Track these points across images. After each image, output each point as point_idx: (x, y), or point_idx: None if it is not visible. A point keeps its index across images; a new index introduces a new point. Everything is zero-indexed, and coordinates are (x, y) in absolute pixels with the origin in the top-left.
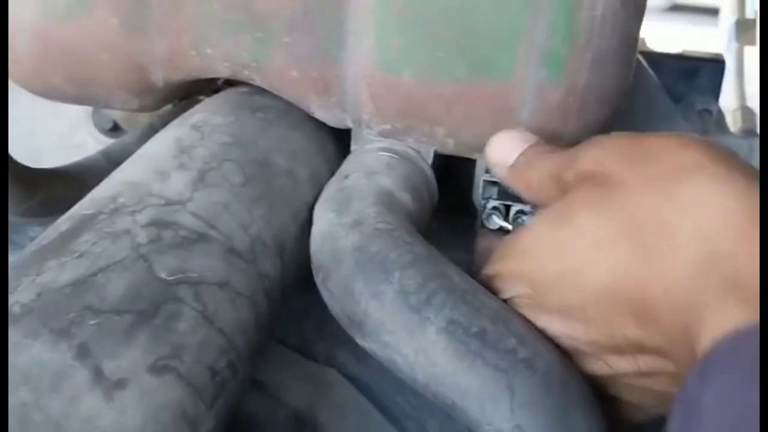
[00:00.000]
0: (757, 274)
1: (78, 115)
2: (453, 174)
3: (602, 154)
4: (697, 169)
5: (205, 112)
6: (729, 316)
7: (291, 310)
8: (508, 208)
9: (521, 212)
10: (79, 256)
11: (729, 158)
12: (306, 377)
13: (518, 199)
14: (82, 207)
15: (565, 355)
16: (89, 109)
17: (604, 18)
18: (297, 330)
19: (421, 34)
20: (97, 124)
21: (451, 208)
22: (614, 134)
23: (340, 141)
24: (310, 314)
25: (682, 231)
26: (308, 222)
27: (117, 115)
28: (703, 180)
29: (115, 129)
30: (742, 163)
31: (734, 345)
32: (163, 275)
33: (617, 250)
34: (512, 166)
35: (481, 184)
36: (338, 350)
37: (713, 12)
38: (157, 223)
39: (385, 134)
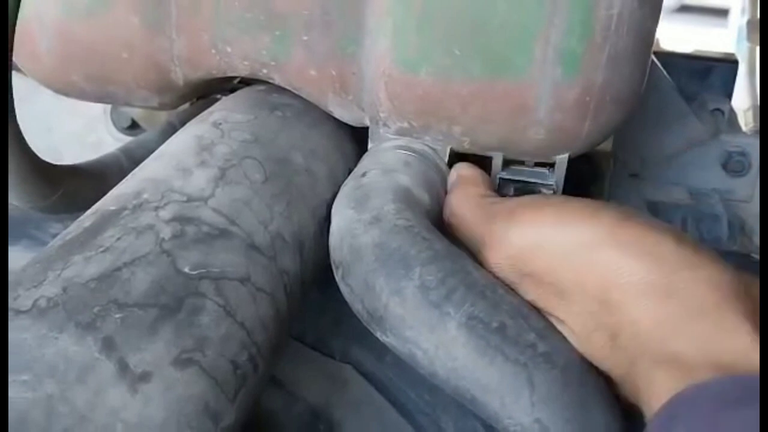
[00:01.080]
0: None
1: (96, 112)
2: None
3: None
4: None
5: (224, 110)
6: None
7: (308, 307)
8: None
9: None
10: (104, 251)
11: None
12: (322, 374)
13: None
14: (105, 203)
15: None
16: (107, 106)
17: (621, 17)
18: (314, 327)
19: (438, 33)
20: (115, 122)
21: None
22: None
23: (357, 139)
24: (327, 311)
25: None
26: (326, 219)
27: (135, 113)
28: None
29: (133, 127)
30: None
31: (693, 398)
32: (186, 270)
33: None
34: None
35: (497, 181)
36: (354, 347)
37: (722, 13)
38: (179, 219)
39: (402, 132)
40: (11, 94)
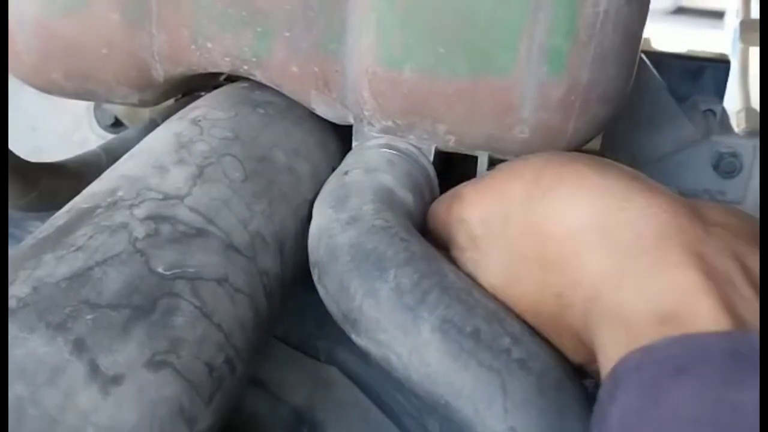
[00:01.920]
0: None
1: (79, 111)
2: (454, 173)
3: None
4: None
5: (205, 107)
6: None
7: (292, 308)
8: None
9: None
10: (76, 250)
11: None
12: (307, 375)
13: None
14: (79, 201)
15: None
16: (90, 104)
17: (607, 14)
18: (298, 327)
19: (423, 30)
20: (98, 120)
21: None
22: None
23: (341, 138)
24: (312, 312)
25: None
26: (308, 219)
27: (118, 110)
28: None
29: (116, 125)
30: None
31: (635, 364)
32: (160, 270)
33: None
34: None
35: None
36: (339, 348)
37: (718, 15)
38: (154, 218)
39: (386, 131)
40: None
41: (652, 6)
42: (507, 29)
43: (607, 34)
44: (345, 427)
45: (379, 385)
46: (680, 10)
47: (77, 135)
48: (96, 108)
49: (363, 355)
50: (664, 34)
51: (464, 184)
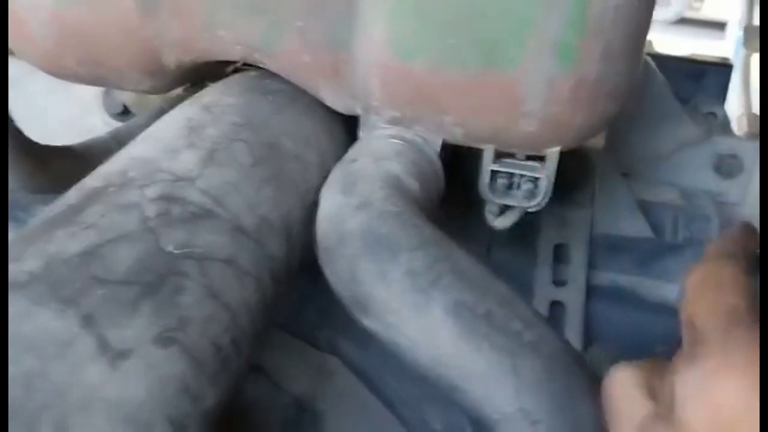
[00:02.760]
0: None
1: (88, 98)
2: (462, 168)
3: None
4: None
5: (216, 93)
6: None
7: (295, 298)
8: (511, 175)
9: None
10: (87, 228)
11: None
12: (308, 364)
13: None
14: (90, 180)
15: None
16: (100, 92)
17: (617, 9)
18: (300, 317)
19: (434, 22)
20: (107, 108)
21: (460, 203)
22: None
23: (348, 128)
24: (314, 302)
25: None
26: (315, 206)
27: (127, 99)
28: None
29: (125, 113)
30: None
31: None
32: (170, 248)
33: None
34: None
35: (488, 174)
36: (341, 339)
37: (720, 26)
38: (165, 198)
39: (393, 122)
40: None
41: (654, 16)
42: (517, 22)
43: (616, 29)
44: (345, 418)
45: (379, 376)
46: (683, 21)
47: (85, 122)
48: (105, 96)
49: (365, 346)
50: (666, 44)
51: None
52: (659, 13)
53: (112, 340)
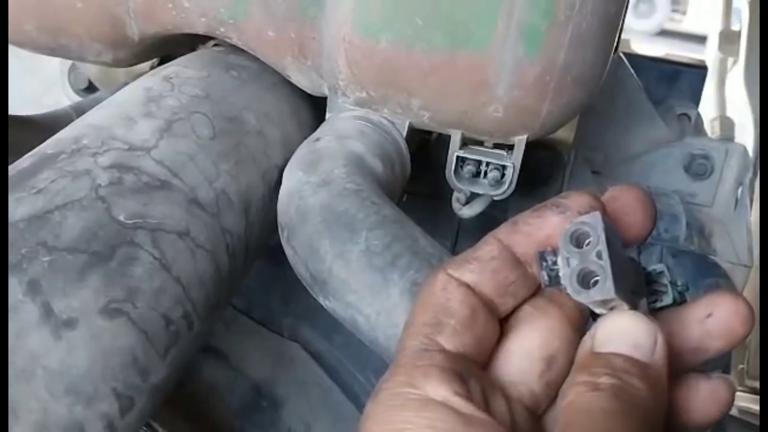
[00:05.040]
0: None
1: (53, 74)
2: (431, 157)
3: None
4: None
5: (178, 65)
6: None
7: (258, 282)
8: (478, 163)
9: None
10: (37, 193)
11: None
12: (269, 350)
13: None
14: (44, 146)
15: None
16: (65, 68)
17: None
18: (263, 303)
19: (401, 1)
20: (72, 84)
21: (427, 190)
22: None
23: (316, 109)
24: (278, 288)
25: None
26: (277, 184)
27: (92, 73)
28: None
29: (89, 89)
30: None
31: None
32: (121, 218)
33: None
34: None
35: (453, 159)
36: (303, 326)
37: (701, 39)
38: (119, 167)
39: (360, 103)
40: None
41: (636, 28)
42: (486, 4)
43: (585, 15)
44: (305, 405)
45: (341, 364)
46: (664, 33)
47: (49, 98)
48: (70, 71)
49: (327, 335)
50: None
51: None
52: (641, 25)
53: (57, 309)
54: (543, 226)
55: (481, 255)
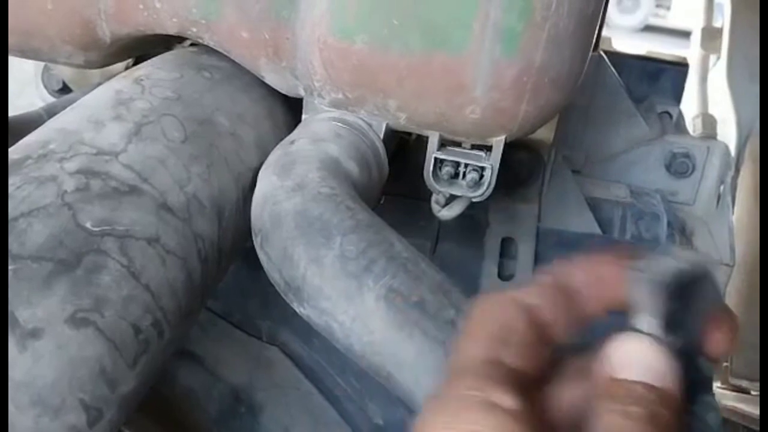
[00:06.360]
0: None
1: (27, 75)
2: (407, 159)
3: None
4: None
5: (149, 67)
6: None
7: (235, 286)
8: (457, 164)
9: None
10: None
11: None
12: (247, 354)
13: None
14: (11, 151)
15: None
16: (39, 69)
17: None
18: (241, 306)
19: (377, 2)
20: (45, 85)
21: (406, 192)
22: None
23: (291, 111)
24: (256, 291)
25: None
26: (252, 187)
27: (66, 75)
28: None
29: (64, 90)
30: None
31: None
32: (88, 225)
33: None
34: None
35: (432, 161)
36: (282, 329)
37: (686, 34)
38: (85, 172)
39: (336, 104)
40: None
41: (622, 23)
42: (462, 5)
43: (561, 16)
44: (284, 409)
45: (320, 368)
46: (649, 28)
47: (23, 100)
48: (44, 73)
49: (306, 338)
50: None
51: None
52: (625, 20)
53: (22, 318)
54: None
55: (541, 281)
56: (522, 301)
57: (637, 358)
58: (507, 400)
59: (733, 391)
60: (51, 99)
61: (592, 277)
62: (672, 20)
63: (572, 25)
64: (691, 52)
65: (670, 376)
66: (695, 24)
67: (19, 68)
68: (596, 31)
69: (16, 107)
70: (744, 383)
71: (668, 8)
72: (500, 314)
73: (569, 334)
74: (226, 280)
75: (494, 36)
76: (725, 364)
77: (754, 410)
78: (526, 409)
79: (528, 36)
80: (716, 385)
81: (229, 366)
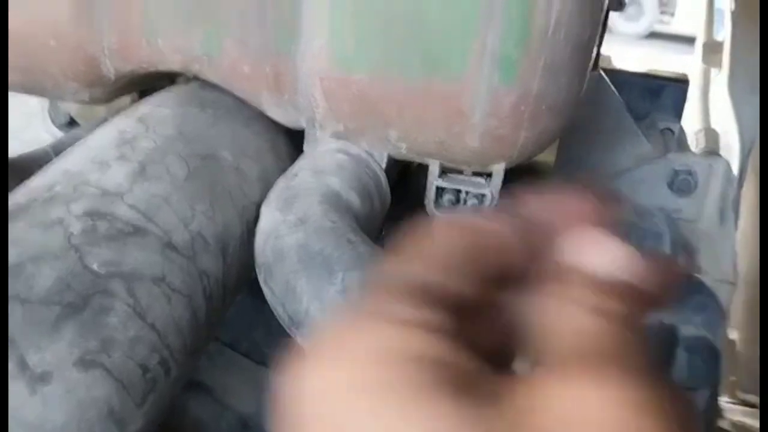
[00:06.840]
0: None
1: (33, 109)
2: (409, 183)
3: None
4: None
5: (152, 104)
6: None
7: (241, 314)
8: (458, 191)
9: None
10: (10, 245)
11: None
12: (254, 382)
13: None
14: (18, 195)
15: None
16: (45, 103)
17: (558, 24)
18: (247, 334)
19: (375, 31)
20: (52, 119)
21: (406, 216)
22: None
23: (293, 142)
24: (262, 319)
25: None
26: (256, 220)
27: (73, 109)
28: None
29: (71, 124)
30: None
31: None
32: (94, 267)
33: None
34: None
35: (433, 189)
36: None
37: (690, 40)
38: (92, 214)
39: (338, 135)
40: None
41: (626, 30)
42: (459, 34)
43: (558, 43)
44: None
45: None
46: (653, 35)
47: (30, 133)
48: (50, 107)
49: None
50: (637, 58)
51: None
52: (630, 28)
53: (32, 363)
54: None
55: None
56: (469, 223)
57: (597, 250)
58: (424, 315)
59: (741, 405)
60: (58, 133)
61: (554, 209)
62: (676, 26)
63: (569, 51)
64: (692, 66)
65: (634, 270)
66: (698, 31)
67: (25, 102)
68: (593, 55)
69: (22, 141)
70: (751, 397)
71: (672, 14)
72: (441, 235)
73: (523, 262)
74: (232, 309)
75: (492, 63)
76: (732, 378)
77: None
78: (447, 328)
79: (525, 63)
80: (724, 400)
81: (237, 395)
